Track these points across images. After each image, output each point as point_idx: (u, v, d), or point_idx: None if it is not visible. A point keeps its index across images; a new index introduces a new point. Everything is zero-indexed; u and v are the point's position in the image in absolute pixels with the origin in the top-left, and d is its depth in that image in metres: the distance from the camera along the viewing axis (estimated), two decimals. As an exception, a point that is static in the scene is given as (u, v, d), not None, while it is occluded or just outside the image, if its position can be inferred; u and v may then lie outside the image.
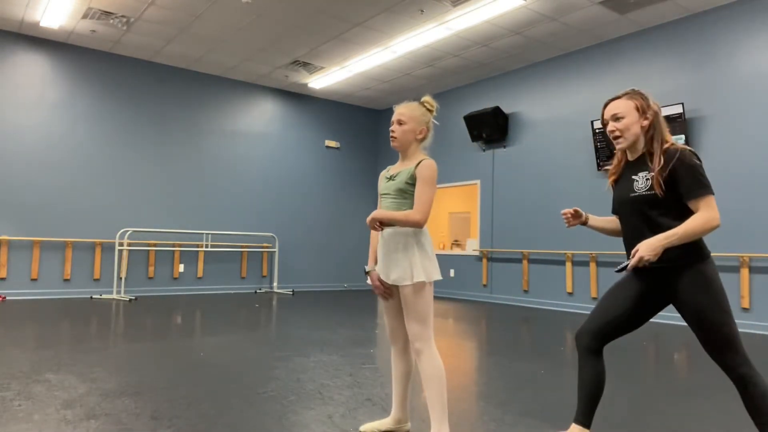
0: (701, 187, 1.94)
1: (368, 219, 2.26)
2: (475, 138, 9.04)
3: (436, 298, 9.40)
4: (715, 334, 1.95)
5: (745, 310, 6.07)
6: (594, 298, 7.46)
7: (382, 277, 2.31)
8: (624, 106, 2.08)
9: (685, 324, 6.52)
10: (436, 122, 2.47)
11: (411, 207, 2.26)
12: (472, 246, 9.56)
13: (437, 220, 11.63)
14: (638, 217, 2.07)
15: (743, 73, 6.25)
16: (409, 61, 8.49)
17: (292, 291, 9.71)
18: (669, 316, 6.67)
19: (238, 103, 9.72)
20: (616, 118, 2.09)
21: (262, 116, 9.99)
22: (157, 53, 8.50)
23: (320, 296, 9.09)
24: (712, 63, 6.51)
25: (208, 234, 9.07)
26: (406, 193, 2.27)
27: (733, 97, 6.31)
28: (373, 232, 2.39)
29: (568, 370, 3.86)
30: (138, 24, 7.38)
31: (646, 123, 2.07)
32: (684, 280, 2.01)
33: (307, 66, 8.90)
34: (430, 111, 2.40)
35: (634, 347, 4.91)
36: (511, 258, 8.65)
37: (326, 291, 10.17)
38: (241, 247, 9.53)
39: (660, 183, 1.98)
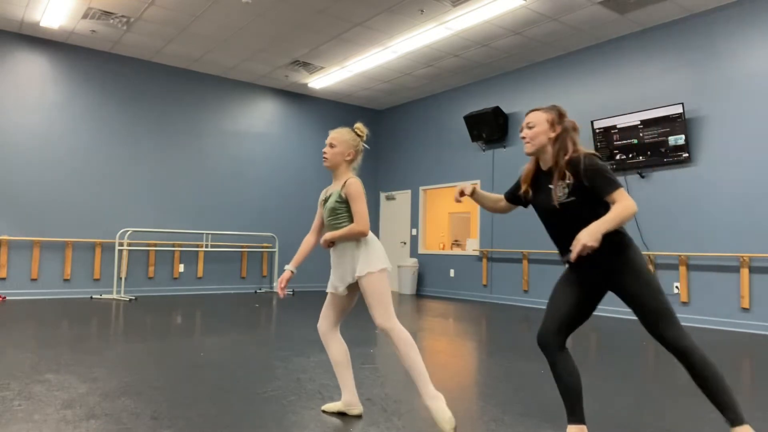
0: (610, 184, 2.17)
1: (321, 242, 2.67)
2: (475, 138, 9.04)
3: (436, 297, 9.40)
4: (653, 312, 2.19)
5: (745, 310, 6.07)
6: (594, 298, 7.45)
7: (339, 287, 2.67)
8: (537, 118, 2.36)
9: (684, 324, 6.52)
10: (366, 146, 2.87)
11: (344, 221, 2.63)
12: (472, 246, 9.56)
13: (437, 220, 11.63)
14: (569, 220, 2.29)
15: (743, 73, 6.25)
16: (409, 61, 8.49)
17: (293, 291, 9.71)
18: (669, 316, 6.67)
19: (238, 103, 9.72)
20: (529, 126, 2.37)
21: (262, 116, 9.99)
22: (157, 53, 8.50)
23: (320, 296, 9.09)
24: (712, 63, 6.51)
25: (208, 234, 9.07)
26: (338, 211, 2.64)
27: (733, 97, 6.31)
28: (305, 240, 2.83)
29: (568, 370, 3.86)
30: (138, 24, 7.38)
31: (553, 135, 2.32)
32: (616, 269, 2.22)
33: (307, 66, 8.90)
34: (360, 136, 2.79)
35: (634, 347, 4.91)
36: (511, 258, 8.65)
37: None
38: (241, 247, 9.53)
39: (574, 190, 2.24)
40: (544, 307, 7.99)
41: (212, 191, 9.34)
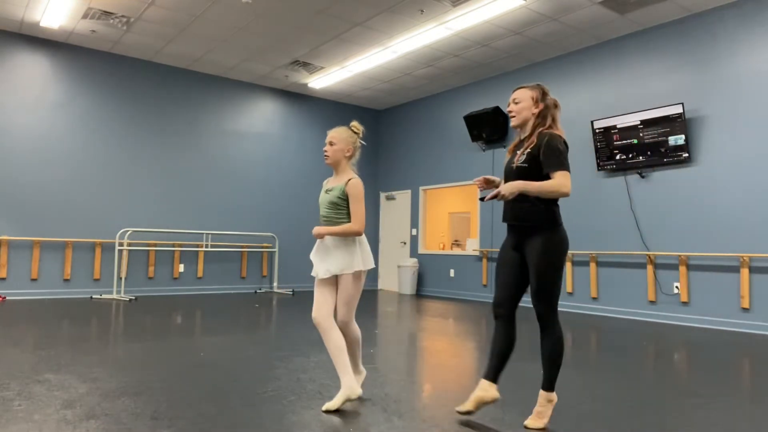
0: (557, 163, 2.43)
1: (314, 233, 2.81)
2: (475, 138, 9.04)
3: (436, 297, 9.40)
4: (545, 290, 2.49)
5: (745, 310, 6.07)
6: (594, 298, 7.46)
7: (320, 274, 2.84)
8: (523, 95, 2.63)
9: (684, 324, 6.53)
10: (363, 142, 3.07)
11: (342, 216, 2.84)
12: (472, 246, 9.56)
13: (437, 219, 11.63)
14: (515, 181, 2.52)
15: (743, 73, 6.25)
16: (409, 61, 8.49)
17: (292, 291, 9.71)
18: (669, 316, 6.68)
19: (238, 103, 9.72)
20: (515, 101, 2.65)
21: (262, 116, 9.99)
22: (157, 53, 8.50)
23: (320, 296, 9.08)
24: (712, 63, 6.51)
25: (208, 234, 9.07)
26: (338, 206, 2.84)
27: (733, 97, 6.31)
28: None
29: (568, 370, 3.86)
30: (138, 24, 7.38)
31: (536, 111, 2.59)
32: (535, 241, 2.50)
33: (307, 66, 8.90)
34: (356, 133, 3.02)
35: (634, 347, 4.91)
36: (511, 258, 8.64)
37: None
38: (241, 247, 9.53)
39: (530, 157, 2.51)
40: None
41: (212, 191, 9.34)
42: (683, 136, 6.55)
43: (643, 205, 7.04)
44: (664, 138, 6.72)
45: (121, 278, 8.28)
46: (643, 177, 7.07)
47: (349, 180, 2.85)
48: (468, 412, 2.65)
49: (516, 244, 2.61)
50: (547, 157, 2.46)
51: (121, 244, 8.30)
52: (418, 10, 6.72)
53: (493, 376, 2.63)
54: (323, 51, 8.21)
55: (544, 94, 2.63)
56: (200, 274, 9.10)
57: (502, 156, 8.89)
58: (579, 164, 7.76)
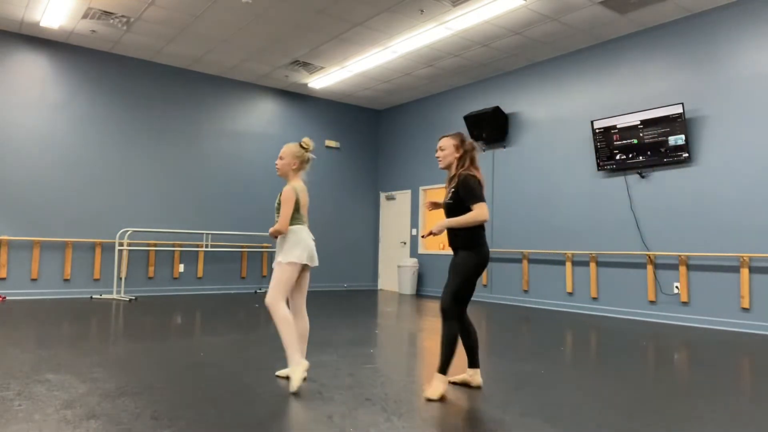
0: (473, 197, 3.09)
1: (270, 233, 3.37)
2: (475, 138, 9.02)
3: (436, 297, 9.39)
4: (448, 287, 3.12)
5: (745, 310, 6.07)
6: (594, 298, 7.46)
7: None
8: (446, 143, 3.30)
9: (684, 324, 6.54)
10: (313, 156, 3.53)
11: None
12: (472, 246, 9.54)
13: (437, 220, 11.62)
14: (449, 215, 3.22)
15: (743, 73, 6.25)
16: (409, 61, 8.49)
17: (292, 291, 9.69)
18: (669, 316, 6.68)
19: (238, 103, 9.72)
20: (441, 149, 3.32)
21: (262, 116, 9.99)
22: (157, 53, 8.50)
23: (320, 296, 9.09)
24: (712, 63, 6.51)
25: (208, 234, 9.07)
26: (278, 209, 3.40)
27: (733, 97, 6.31)
28: None
29: (568, 371, 3.86)
30: (138, 24, 7.38)
31: (457, 155, 3.27)
32: (459, 255, 3.17)
33: (307, 66, 8.90)
34: (305, 149, 3.46)
35: (634, 347, 4.91)
36: (511, 258, 8.65)
37: (326, 291, 10.17)
38: (241, 247, 9.53)
39: (453, 195, 3.18)
40: (545, 307, 8.01)
41: (212, 191, 9.34)
42: (683, 136, 6.55)
43: (643, 205, 7.04)
44: (664, 138, 6.72)
45: (121, 278, 8.28)
46: (643, 177, 7.07)
47: (285, 187, 3.39)
48: (453, 383, 3.33)
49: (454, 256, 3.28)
50: (465, 194, 3.11)
51: (121, 244, 8.30)
52: (418, 10, 6.72)
53: (473, 362, 3.31)
54: (323, 51, 8.21)
55: (462, 141, 3.29)
56: (200, 274, 9.10)
57: (502, 156, 8.90)
58: (579, 164, 7.76)
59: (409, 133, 10.77)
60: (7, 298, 7.54)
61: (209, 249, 9.08)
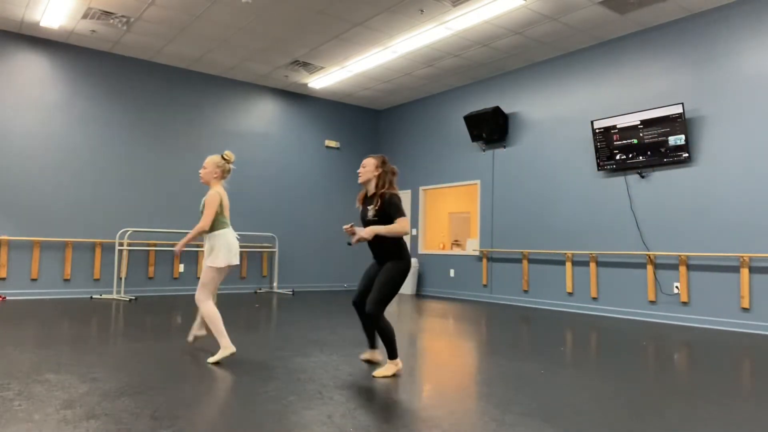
0: (397, 212, 3.53)
1: (194, 233, 3.85)
2: (475, 138, 9.04)
3: (436, 297, 9.40)
4: (375, 293, 3.50)
5: (745, 310, 6.07)
6: (594, 298, 7.46)
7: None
8: (369, 162, 3.70)
9: (684, 324, 6.54)
10: (234, 167, 4.09)
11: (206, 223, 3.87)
12: (472, 246, 9.56)
13: (437, 219, 11.62)
14: (372, 226, 3.57)
15: (743, 73, 6.25)
16: (409, 61, 8.49)
17: (292, 291, 9.71)
18: (669, 316, 6.68)
19: (238, 103, 9.72)
20: (363, 166, 3.70)
21: (262, 116, 9.99)
22: (157, 53, 8.50)
23: (320, 296, 9.09)
24: (712, 63, 6.51)
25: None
26: (201, 212, 3.87)
27: (733, 97, 6.31)
28: None
29: (568, 370, 3.86)
30: (138, 24, 7.38)
31: (377, 173, 3.67)
32: (386, 266, 3.58)
33: (307, 66, 8.90)
34: (226, 160, 3.99)
35: (634, 347, 4.91)
36: (511, 258, 8.65)
37: (326, 291, 10.17)
38: (241, 247, 9.50)
39: (378, 212, 3.58)
40: (545, 307, 8.02)
41: (212, 191, 9.32)
42: (683, 136, 6.55)
43: (643, 205, 7.04)
44: (664, 138, 6.72)
45: (121, 278, 8.28)
46: (643, 177, 7.07)
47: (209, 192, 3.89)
48: (367, 361, 3.92)
49: (377, 266, 3.69)
50: (392, 210, 3.54)
51: (121, 244, 8.30)
52: (418, 10, 6.72)
53: (372, 344, 3.92)
54: (323, 51, 8.21)
55: (383, 162, 3.70)
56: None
57: (502, 156, 8.90)
58: (579, 164, 7.76)
59: (409, 133, 10.77)
60: (7, 298, 7.54)
61: (209, 249, 9.06)
